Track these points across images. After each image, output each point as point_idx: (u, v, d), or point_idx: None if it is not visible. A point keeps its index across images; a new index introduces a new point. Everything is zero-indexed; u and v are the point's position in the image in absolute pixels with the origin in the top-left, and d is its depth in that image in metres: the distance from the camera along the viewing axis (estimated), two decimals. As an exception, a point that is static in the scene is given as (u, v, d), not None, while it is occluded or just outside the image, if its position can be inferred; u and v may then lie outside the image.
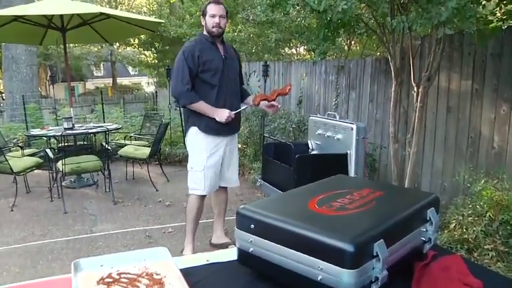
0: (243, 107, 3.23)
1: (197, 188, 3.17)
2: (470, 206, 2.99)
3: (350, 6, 3.03)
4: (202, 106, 3.04)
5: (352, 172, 3.50)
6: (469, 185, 3.25)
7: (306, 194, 1.14)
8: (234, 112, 3.07)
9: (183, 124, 3.59)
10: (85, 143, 6.34)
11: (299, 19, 6.20)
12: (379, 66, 4.73)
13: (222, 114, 3.01)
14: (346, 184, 1.27)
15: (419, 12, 2.92)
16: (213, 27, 3.05)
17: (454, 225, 2.95)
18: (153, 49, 14.39)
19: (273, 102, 3.05)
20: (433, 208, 1.10)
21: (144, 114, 7.69)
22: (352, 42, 7.81)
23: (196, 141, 3.14)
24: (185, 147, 3.37)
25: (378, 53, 7.35)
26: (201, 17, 3.16)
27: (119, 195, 5.13)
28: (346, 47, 7.68)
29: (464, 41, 3.67)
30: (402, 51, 3.75)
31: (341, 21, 3.42)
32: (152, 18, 8.48)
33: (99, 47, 20.73)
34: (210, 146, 3.14)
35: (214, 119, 3.03)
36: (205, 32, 3.14)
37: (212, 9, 3.05)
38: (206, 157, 3.13)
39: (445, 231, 2.99)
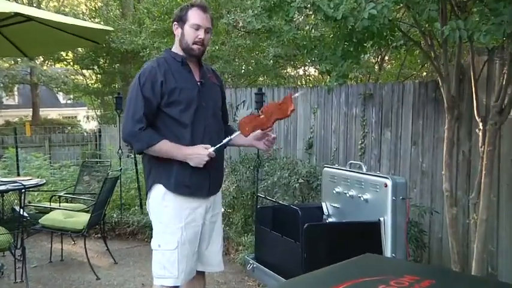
0: (225, 140, 3.16)
1: (167, 276, 3.10)
2: None
3: (381, 10, 3.07)
4: (165, 147, 3.02)
5: (387, 250, 3.49)
6: None
7: (321, 283, 1.15)
8: (213, 149, 3.04)
9: (144, 178, 3.50)
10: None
11: (307, 27, 6.35)
12: (424, 93, 4.83)
13: (199, 154, 2.99)
14: (378, 268, 1.28)
15: (485, 14, 2.93)
16: (194, 43, 3.06)
17: None
18: (96, 68, 14.61)
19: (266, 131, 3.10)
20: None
21: (82, 163, 7.68)
22: (385, 58, 8.00)
23: (164, 205, 3.11)
24: (143, 213, 3.34)
25: (424, 73, 7.52)
26: (175, 24, 3.15)
27: (38, 287, 5.03)
28: (376, 67, 7.86)
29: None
30: (460, 71, 3.83)
31: (368, 30, 3.44)
32: (96, 25, 8.66)
33: (12, 63, 20.88)
34: (184, 212, 3.10)
35: (188, 170, 3.01)
36: (175, 48, 3.17)
37: (196, 17, 3.05)
38: (180, 228, 3.07)
39: None
